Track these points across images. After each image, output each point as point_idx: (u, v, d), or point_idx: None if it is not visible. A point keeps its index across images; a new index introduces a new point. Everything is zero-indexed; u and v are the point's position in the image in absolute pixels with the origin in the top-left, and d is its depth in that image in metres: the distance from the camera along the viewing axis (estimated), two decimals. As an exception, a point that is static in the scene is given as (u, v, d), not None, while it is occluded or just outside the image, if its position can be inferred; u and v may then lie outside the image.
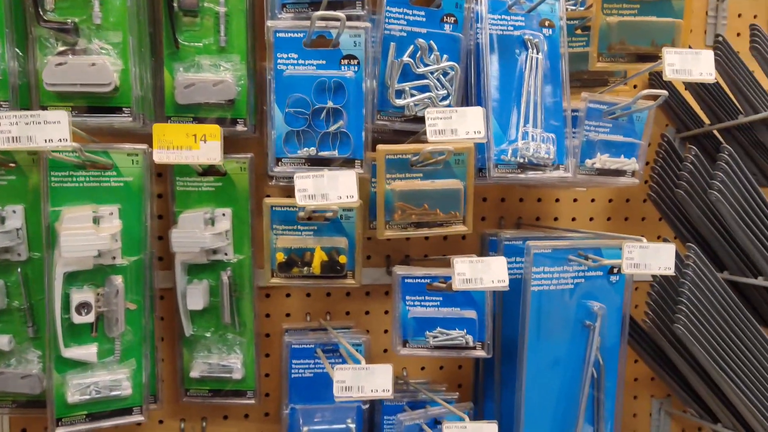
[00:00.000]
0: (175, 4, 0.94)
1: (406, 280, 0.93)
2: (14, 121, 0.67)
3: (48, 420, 0.94)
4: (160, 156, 0.70)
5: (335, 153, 0.88)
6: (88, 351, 0.93)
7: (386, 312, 1.22)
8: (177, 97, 0.96)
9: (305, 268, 0.92)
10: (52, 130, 0.68)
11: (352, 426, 1.03)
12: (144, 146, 0.93)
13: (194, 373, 1.06)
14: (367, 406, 1.07)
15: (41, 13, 0.83)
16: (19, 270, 0.96)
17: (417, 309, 0.94)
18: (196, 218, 1.01)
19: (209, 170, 1.02)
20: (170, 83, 0.97)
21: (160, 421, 1.16)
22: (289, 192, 1.11)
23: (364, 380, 0.78)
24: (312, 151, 0.87)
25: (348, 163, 0.90)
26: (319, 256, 0.91)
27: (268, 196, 1.10)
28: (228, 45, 0.98)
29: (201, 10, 0.96)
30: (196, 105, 0.97)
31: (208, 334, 1.06)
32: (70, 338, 0.92)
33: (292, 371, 1.05)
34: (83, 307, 0.90)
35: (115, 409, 0.97)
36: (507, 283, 0.82)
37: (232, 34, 0.98)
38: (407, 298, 0.94)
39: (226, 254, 1.04)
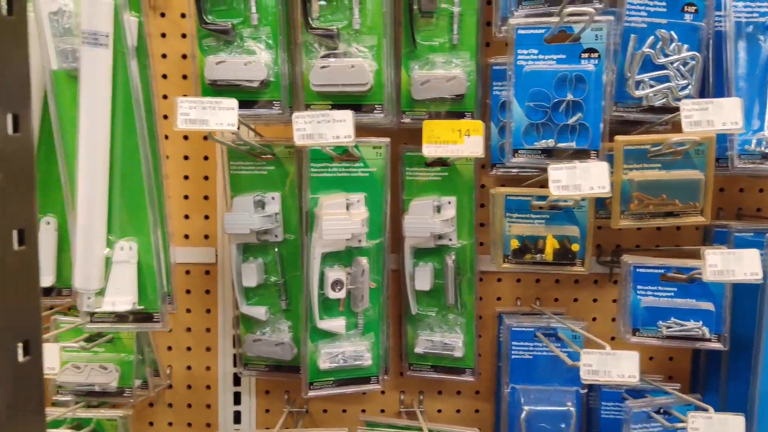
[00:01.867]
0: (415, 7, 1.01)
1: (638, 270, 0.94)
2: (308, 121, 0.77)
3: (302, 383, 1.06)
4: (429, 150, 0.77)
5: (573, 144, 0.90)
6: (338, 323, 1.04)
7: (594, 300, 1.23)
8: (413, 93, 1.03)
9: (538, 255, 0.96)
10: (339, 128, 0.77)
11: (572, 409, 1.06)
12: (387, 140, 1.01)
13: (418, 349, 1.14)
14: (585, 390, 1.09)
15: (309, 21, 0.93)
16: (276, 250, 1.09)
17: (649, 298, 0.95)
18: (425, 205, 1.09)
19: (436, 161, 1.09)
20: (406, 80, 1.05)
21: (382, 392, 1.26)
22: (504, 182, 1.17)
23: (610, 365, 0.81)
24: (550, 142, 0.91)
25: (582, 154, 0.92)
26: (551, 244, 0.95)
27: (483, 186, 1.15)
28: (459, 43, 1.04)
29: (437, 11, 1.02)
30: (429, 100, 1.04)
31: (432, 314, 1.14)
32: (323, 311, 1.03)
33: (512, 353, 1.10)
34: (337, 284, 1.00)
35: (357, 377, 1.08)
36: (761, 276, 0.81)
37: (464, 32, 1.04)
38: (639, 287, 0.95)
39: (450, 239, 1.11)
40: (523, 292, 1.24)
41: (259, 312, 1.11)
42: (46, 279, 0.98)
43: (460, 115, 1.06)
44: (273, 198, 1.08)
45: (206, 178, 1.20)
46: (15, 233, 0.39)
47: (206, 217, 1.21)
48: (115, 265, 0.87)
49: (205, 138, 1.19)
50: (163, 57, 1.15)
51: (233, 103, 0.77)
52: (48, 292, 0.99)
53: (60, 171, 0.87)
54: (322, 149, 0.93)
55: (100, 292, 0.87)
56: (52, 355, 0.87)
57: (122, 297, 0.87)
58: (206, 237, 1.21)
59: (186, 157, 1.19)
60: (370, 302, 1.05)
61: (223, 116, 0.76)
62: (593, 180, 0.78)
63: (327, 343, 1.06)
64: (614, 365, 0.81)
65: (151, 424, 1.25)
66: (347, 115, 0.77)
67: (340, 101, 0.96)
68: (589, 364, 0.81)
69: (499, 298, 1.24)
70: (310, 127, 0.77)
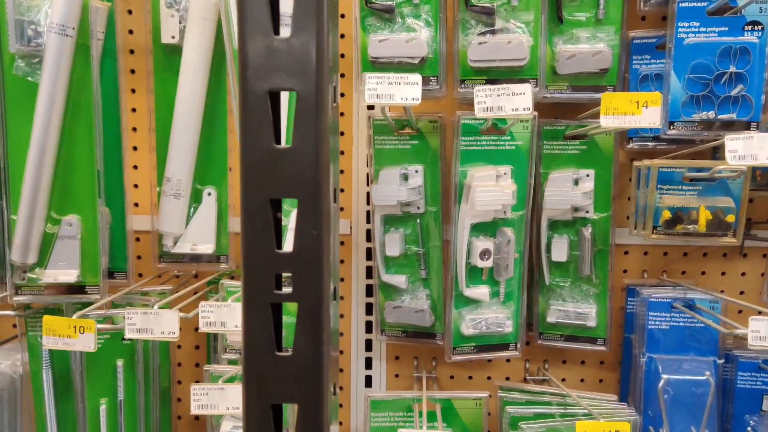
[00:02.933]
0: (563, -17, 1.03)
1: (793, 240, 0.95)
2: (489, 94, 0.81)
3: (445, 348, 1.11)
4: (606, 121, 0.80)
5: (734, 116, 0.92)
6: (482, 291, 1.08)
7: (723, 273, 1.24)
8: (558, 68, 1.05)
9: (691, 226, 0.98)
10: (518, 100, 0.81)
11: (711, 379, 1.08)
12: (534, 113, 1.04)
13: (550, 319, 1.18)
14: (722, 361, 1.11)
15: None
16: (417, 221, 1.14)
17: (804, 269, 0.95)
18: (564, 178, 1.11)
19: (578, 135, 1.11)
20: (550, 55, 1.07)
21: (507, 360, 1.30)
22: (637, 156, 1.18)
23: (777, 331, 0.83)
24: (710, 114, 0.92)
25: (736, 127, 0.93)
26: (704, 215, 0.97)
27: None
28: (605, 17, 1.05)
29: (584, -14, 1.04)
30: (573, 74, 1.06)
31: (565, 284, 1.17)
32: (468, 280, 1.07)
33: (649, 323, 1.13)
34: (485, 253, 1.04)
35: (497, 344, 1.12)
36: None
37: (610, 7, 1.05)
38: (792, 258, 0.96)
39: (587, 212, 1.13)
40: (650, 264, 1.26)
41: (400, 280, 1.15)
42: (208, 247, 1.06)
43: (602, 89, 1.07)
44: (416, 171, 1.12)
45: (342, 152, 1.25)
46: None
47: (342, 190, 1.26)
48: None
49: (342, 114, 1.24)
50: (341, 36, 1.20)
51: (417, 78, 0.80)
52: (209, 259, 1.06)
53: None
54: (478, 121, 0.97)
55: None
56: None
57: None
58: (341, 209, 1.27)
59: (324, 132, 1.24)
60: (513, 272, 1.08)
61: (407, 91, 0.80)
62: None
63: (470, 311, 1.10)
64: (781, 332, 0.83)
65: (287, 386, 1.31)
66: (526, 88, 0.80)
67: (494, 76, 0.99)
68: (757, 330, 0.83)
69: (625, 271, 1.26)
70: (491, 100, 0.81)
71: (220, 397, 0.83)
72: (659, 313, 1.12)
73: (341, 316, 1.29)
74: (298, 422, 0.44)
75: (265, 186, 0.42)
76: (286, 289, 0.43)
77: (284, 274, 0.44)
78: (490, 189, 1.01)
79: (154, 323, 0.83)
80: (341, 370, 1.31)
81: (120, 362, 0.97)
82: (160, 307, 0.86)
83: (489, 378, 1.31)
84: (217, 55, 0.99)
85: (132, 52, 1.16)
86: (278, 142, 0.42)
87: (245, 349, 0.44)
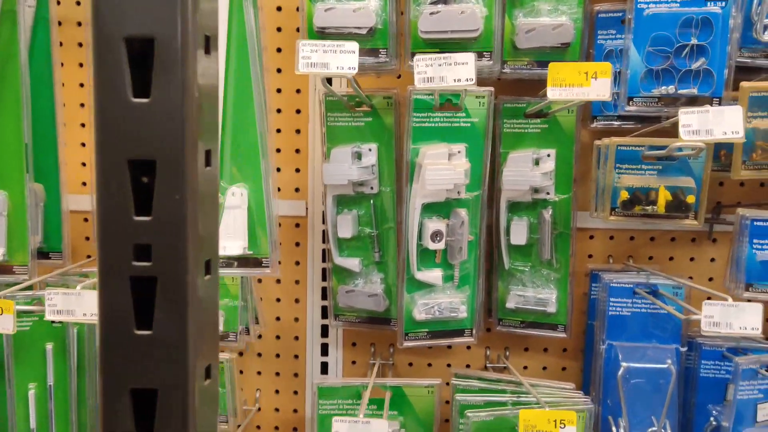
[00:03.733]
0: (522, -49, 0.98)
1: (755, 223, 0.91)
2: (430, 63, 0.76)
3: (398, 333, 1.06)
4: (553, 93, 0.75)
5: (695, 91, 0.87)
6: (435, 275, 1.03)
7: (692, 259, 1.20)
8: (517, 42, 1.00)
9: (649, 207, 0.94)
10: (460, 70, 0.76)
11: (673, 367, 1.04)
12: (491, 89, 0.99)
13: (510, 304, 1.13)
14: (685, 348, 1.07)
15: (419, -34, 0.91)
16: (371, 202, 1.09)
17: (766, 253, 0.91)
18: (524, 158, 1.07)
19: (539, 113, 1.07)
20: (509, 29, 1.02)
21: (467, 347, 1.26)
22: (602, 135, 1.13)
23: (732, 317, 0.79)
24: (671, 89, 0.87)
25: (700, 102, 0.89)
26: (663, 195, 0.92)
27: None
28: (566, -11, 1.00)
29: (544, -44, 0.99)
30: (533, 48, 1.01)
31: (525, 269, 1.13)
32: (420, 263, 1.03)
33: (610, 309, 1.09)
34: (437, 235, 1.00)
35: (451, 330, 1.08)
36: None
37: (572, -22, 1.00)
38: (755, 241, 0.92)
39: (548, 193, 1.09)
40: (615, 249, 1.21)
41: (353, 263, 1.11)
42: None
43: (564, 66, 1.02)
44: (370, 149, 1.07)
45: (298, 131, 1.20)
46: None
47: (297, 170, 1.21)
48: (226, 211, 0.88)
49: (298, 91, 1.19)
50: (278, 10, 1.14)
51: (354, 46, 0.76)
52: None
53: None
54: (431, 97, 0.92)
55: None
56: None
57: (233, 242, 0.88)
58: (297, 190, 1.22)
59: (279, 110, 1.19)
60: (467, 255, 1.04)
61: (344, 59, 0.75)
62: (726, 124, 0.75)
63: (423, 295, 1.06)
64: (736, 317, 0.79)
65: (240, 372, 1.27)
66: (469, 57, 0.76)
67: (447, 49, 0.94)
68: (710, 315, 0.79)
69: (590, 256, 1.22)
70: (431, 70, 0.76)
71: (77, 302, 0.78)
72: (620, 299, 1.08)
73: (296, 300, 1.25)
74: (157, 409, 0.39)
75: (119, 144, 0.37)
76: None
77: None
78: (441, 167, 0.96)
79: (76, 304, 0.79)
80: (296, 357, 1.26)
81: (49, 346, 0.93)
82: (85, 288, 0.81)
83: (449, 365, 1.27)
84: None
85: (79, 24, 1.11)
86: (141, 95, 0.38)
87: (100, 326, 0.40)
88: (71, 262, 1.00)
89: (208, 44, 0.41)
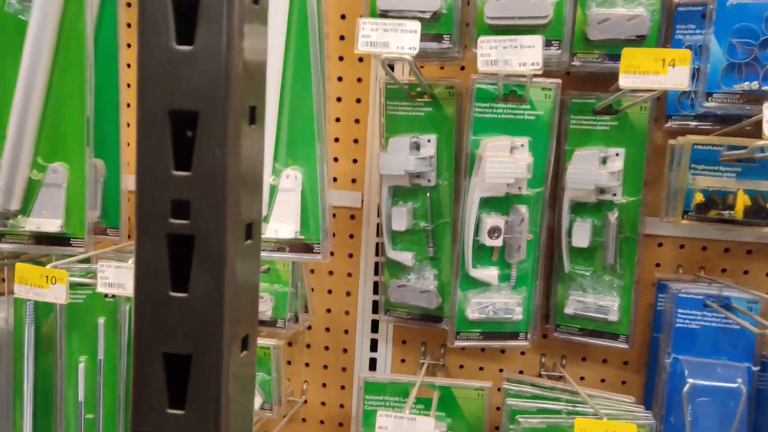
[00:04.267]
0: (599, -62, 0.93)
1: None
2: (494, 46, 0.72)
3: (449, 332, 1.03)
4: (626, 81, 0.70)
5: (783, 87, 0.80)
6: (490, 273, 1.00)
7: (768, 274, 1.12)
8: (589, 33, 0.96)
9: (726, 212, 0.87)
10: (527, 54, 0.72)
11: (743, 387, 0.97)
12: (558, 81, 0.95)
13: (568, 310, 1.08)
14: (757, 368, 0.99)
15: (488, -50, 0.88)
16: (428, 194, 1.06)
17: None
18: (590, 156, 1.02)
19: (609, 110, 1.01)
20: (581, 19, 0.97)
21: (522, 353, 1.21)
22: (672, 136, 1.07)
23: (817, 333, 0.72)
24: (754, 85, 0.81)
25: (787, 101, 0.82)
26: (742, 200, 0.86)
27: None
28: (645, -22, 0.95)
29: (622, -57, 0.94)
30: (607, 40, 0.96)
31: (586, 273, 1.07)
32: (476, 260, 0.99)
33: (677, 321, 1.02)
34: (494, 231, 0.96)
35: (505, 332, 1.03)
36: None
37: (651, -33, 0.94)
38: None
39: (614, 195, 1.03)
40: (685, 259, 1.14)
41: (406, 258, 1.08)
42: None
43: (637, 60, 0.97)
44: (429, 140, 1.04)
45: (357, 121, 1.18)
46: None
47: (354, 161, 1.20)
48: (280, 193, 0.87)
49: (359, 80, 1.17)
50: None
51: (416, 25, 0.73)
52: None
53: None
54: (495, 87, 0.89)
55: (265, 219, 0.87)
56: None
57: (286, 225, 0.87)
58: (353, 181, 1.20)
59: (339, 99, 1.18)
60: (525, 254, 1.00)
61: (405, 39, 0.73)
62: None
63: (477, 293, 1.02)
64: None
65: (288, 362, 1.26)
66: (536, 40, 0.72)
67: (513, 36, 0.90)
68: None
69: (658, 264, 1.15)
70: (495, 52, 0.72)
71: (129, 276, 0.78)
72: (689, 311, 1.02)
73: (348, 293, 1.23)
74: (191, 376, 0.38)
75: (161, 94, 0.36)
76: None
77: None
78: (502, 160, 0.92)
79: (127, 278, 0.79)
80: (345, 351, 1.24)
81: (101, 320, 0.94)
82: (137, 263, 0.81)
83: (501, 370, 1.22)
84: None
85: (129, 5, 1.12)
86: (184, 42, 0.36)
87: (135, 286, 0.38)
88: (128, 240, 1.01)
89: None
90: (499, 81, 0.83)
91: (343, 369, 1.25)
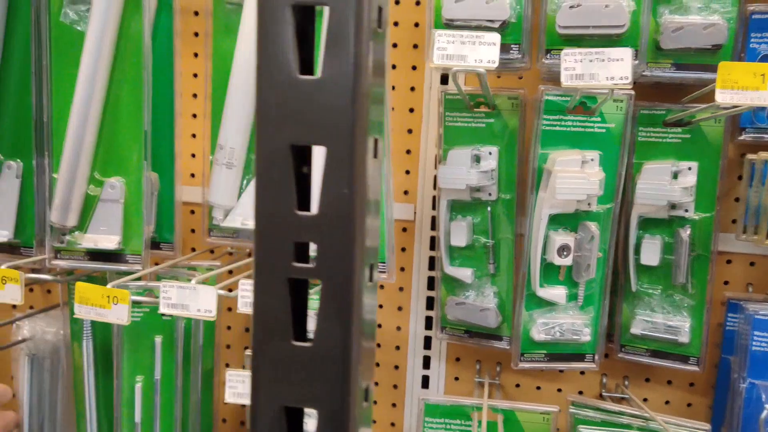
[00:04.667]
0: (675, -58, 0.89)
1: None
2: (580, 59, 0.68)
3: (512, 353, 0.99)
4: (723, 96, 0.66)
5: None
6: (558, 292, 0.95)
7: None
8: (661, 42, 0.91)
9: (818, 231, 0.82)
10: (614, 68, 0.68)
11: (828, 414, 0.92)
12: (631, 92, 0.91)
13: (635, 330, 1.03)
14: (841, 395, 0.94)
15: (561, -44, 0.84)
16: (488, 209, 1.02)
17: None
18: (661, 170, 0.97)
19: (680, 122, 0.97)
20: (653, 27, 0.93)
21: (581, 373, 1.17)
22: (746, 149, 1.02)
23: None
24: None
25: None
26: (835, 219, 0.81)
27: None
28: (722, -16, 0.90)
29: (700, -53, 0.89)
30: (680, 50, 0.91)
31: (654, 292, 1.03)
32: (543, 279, 0.95)
33: (753, 344, 0.97)
34: (564, 249, 0.92)
35: (570, 353, 0.99)
36: None
37: (729, -28, 0.90)
38: None
39: (686, 210, 0.98)
40: (756, 277, 1.09)
41: (465, 274, 1.04)
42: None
43: (713, 69, 0.92)
44: (490, 153, 1.00)
45: (410, 131, 1.15)
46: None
47: (407, 172, 1.16)
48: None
49: (412, 89, 1.14)
50: (396, 3, 1.11)
51: (495, 37, 0.69)
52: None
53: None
54: (563, 98, 0.84)
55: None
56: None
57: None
58: (406, 193, 1.17)
59: (392, 109, 1.14)
60: (595, 273, 0.95)
61: (483, 52, 0.69)
62: None
63: (542, 313, 0.98)
64: None
65: (338, 379, 1.23)
66: (626, 53, 0.68)
67: (587, 46, 0.86)
68: None
69: (726, 282, 1.10)
70: (581, 66, 0.69)
71: (192, 297, 0.75)
72: (765, 333, 0.96)
73: (399, 308, 1.19)
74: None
75: (283, 128, 0.33)
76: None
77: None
78: (573, 175, 0.88)
79: (191, 299, 0.76)
80: (396, 367, 1.21)
81: (158, 339, 0.91)
82: (199, 282, 0.78)
83: (559, 390, 1.18)
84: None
85: (196, 14, 1.10)
86: (306, 72, 0.33)
87: (254, 334, 0.35)
88: (182, 254, 0.99)
89: (380, 17, 0.35)
90: (577, 94, 0.79)
91: (395, 386, 1.22)
